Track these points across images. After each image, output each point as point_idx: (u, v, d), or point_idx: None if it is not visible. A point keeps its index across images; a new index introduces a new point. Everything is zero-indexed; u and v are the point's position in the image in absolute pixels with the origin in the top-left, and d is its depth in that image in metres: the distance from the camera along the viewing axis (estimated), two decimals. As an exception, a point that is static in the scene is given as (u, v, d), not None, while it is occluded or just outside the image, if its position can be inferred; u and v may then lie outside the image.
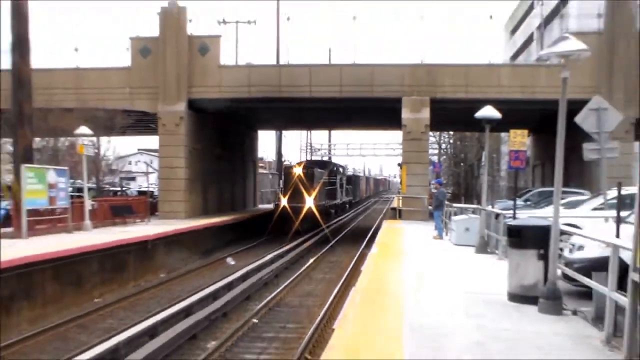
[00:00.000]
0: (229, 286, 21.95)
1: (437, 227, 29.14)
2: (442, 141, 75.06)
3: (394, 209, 48.62)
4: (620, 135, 23.81)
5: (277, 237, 38.37)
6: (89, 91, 37.48)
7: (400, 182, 43.82)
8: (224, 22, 49.00)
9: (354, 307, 12.63)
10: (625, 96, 34.60)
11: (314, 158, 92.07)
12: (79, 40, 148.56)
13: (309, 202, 43.21)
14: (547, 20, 55.75)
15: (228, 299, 19.67)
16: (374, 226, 44.22)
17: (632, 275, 8.07)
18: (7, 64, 21.17)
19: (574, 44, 11.55)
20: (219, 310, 18.40)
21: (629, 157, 30.40)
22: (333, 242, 38.74)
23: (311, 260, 30.03)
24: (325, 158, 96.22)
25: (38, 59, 22.81)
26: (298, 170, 44.95)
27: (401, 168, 42.12)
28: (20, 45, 20.30)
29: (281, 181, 48.47)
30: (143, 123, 42.54)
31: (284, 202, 43.16)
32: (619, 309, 9.40)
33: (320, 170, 50.36)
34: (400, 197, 43.31)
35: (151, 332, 15.34)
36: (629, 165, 30.38)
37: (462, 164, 70.55)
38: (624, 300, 8.64)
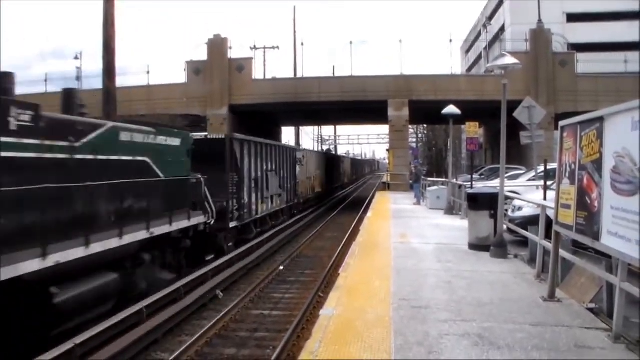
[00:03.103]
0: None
1: (416, 196, 29.34)
2: (418, 132, 74.94)
3: (384, 182, 48.65)
4: (545, 126, 24.17)
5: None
6: (156, 101, 37.86)
7: (388, 163, 43.76)
8: (255, 47, 48.83)
9: (354, 257, 12.73)
10: (547, 98, 35.60)
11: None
12: (147, 61, 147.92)
13: None
14: (490, 44, 56.29)
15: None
16: (370, 195, 44.26)
17: (555, 227, 8.21)
18: (99, 84, 21.50)
19: (509, 60, 11.79)
20: (254, 261, 18.48)
21: (551, 141, 30.94)
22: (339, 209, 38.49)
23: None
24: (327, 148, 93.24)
25: (120, 79, 23.04)
26: None
27: (389, 152, 42.36)
28: (109, 71, 20.52)
29: None
30: (196, 123, 42.78)
31: None
32: (546, 252, 9.58)
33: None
34: (389, 174, 43.55)
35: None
36: (551, 148, 30.93)
37: (433, 148, 70.56)
38: (549, 245, 8.79)
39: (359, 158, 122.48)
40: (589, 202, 6.85)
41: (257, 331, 11.33)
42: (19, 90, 32.57)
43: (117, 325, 10.22)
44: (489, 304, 8.20)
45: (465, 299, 8.52)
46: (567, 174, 7.70)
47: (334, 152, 77.59)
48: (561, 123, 8.03)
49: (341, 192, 57.60)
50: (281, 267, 17.75)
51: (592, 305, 8.17)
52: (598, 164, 6.58)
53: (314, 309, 12.50)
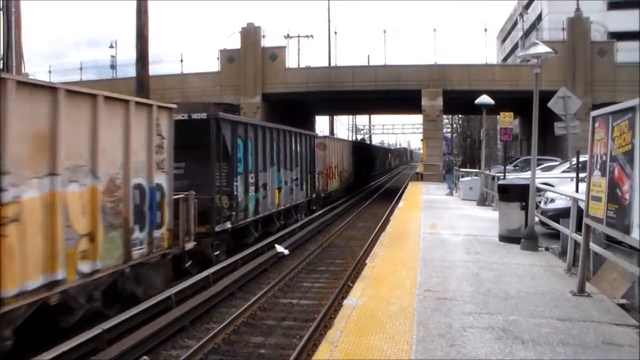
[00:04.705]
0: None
1: (449, 187, 29.16)
2: (453, 122, 74.32)
3: (417, 172, 48.40)
4: (581, 117, 23.69)
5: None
6: (190, 90, 38.12)
7: (422, 153, 43.58)
8: (289, 36, 48.84)
9: (382, 247, 12.67)
10: (584, 88, 35.00)
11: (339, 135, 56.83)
12: (181, 50, 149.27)
13: None
14: (527, 33, 55.42)
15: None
16: (404, 185, 43.94)
17: (585, 220, 8.06)
18: (133, 73, 21.72)
19: (542, 48, 11.61)
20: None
21: (587, 133, 30.41)
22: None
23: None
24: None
25: (155, 68, 23.23)
26: None
27: (422, 142, 42.20)
28: (142, 58, 20.64)
29: None
30: (229, 112, 42.94)
31: None
32: (577, 245, 9.40)
33: None
34: (422, 164, 43.40)
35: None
36: (587, 139, 30.35)
37: (468, 139, 69.96)
38: (580, 238, 8.64)
39: (378, 145, 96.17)
40: (619, 194, 6.70)
41: (285, 320, 11.35)
42: (55, 78, 33.04)
43: (145, 311, 10.34)
44: (516, 297, 8.08)
45: (492, 291, 8.41)
46: (598, 166, 7.55)
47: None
48: (593, 113, 7.89)
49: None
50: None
51: (624, 301, 8.01)
52: (630, 156, 6.41)
53: (342, 299, 12.48)
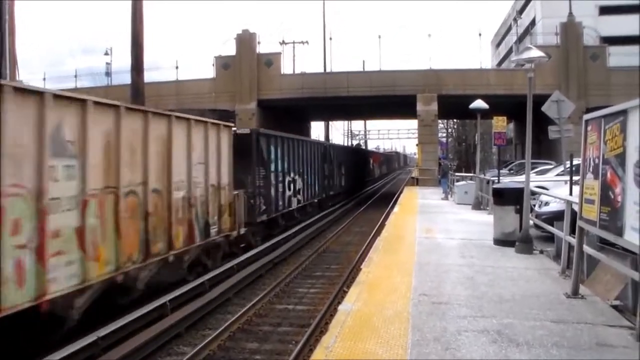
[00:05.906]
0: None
1: (444, 191, 29.20)
2: (448, 126, 74.43)
3: (413, 177, 48.44)
4: (575, 120, 23.72)
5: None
6: (185, 96, 38.13)
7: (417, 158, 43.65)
8: (284, 42, 48.86)
9: (377, 252, 12.61)
10: (578, 92, 35.41)
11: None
12: (176, 57, 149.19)
13: None
14: (521, 38, 55.72)
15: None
16: (399, 189, 43.94)
17: (579, 223, 8.06)
18: (128, 79, 21.68)
19: (535, 53, 11.63)
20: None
21: (581, 136, 30.50)
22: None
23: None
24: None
25: (151, 74, 23.23)
26: None
27: (417, 147, 42.27)
28: (137, 66, 20.64)
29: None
30: (225, 118, 42.91)
31: None
32: (571, 248, 9.37)
33: None
34: (417, 169, 43.46)
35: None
36: (581, 142, 30.54)
37: (463, 143, 70.10)
38: (574, 241, 8.63)
39: (341, 144, 60.15)
40: (612, 197, 6.70)
41: (281, 326, 11.34)
42: (49, 85, 33.00)
43: (140, 318, 10.31)
44: (511, 300, 8.07)
45: (487, 294, 8.40)
46: (591, 169, 7.56)
47: None
48: (585, 116, 7.91)
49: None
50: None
51: (617, 303, 8.00)
52: (621, 158, 6.42)
53: (338, 304, 12.45)
